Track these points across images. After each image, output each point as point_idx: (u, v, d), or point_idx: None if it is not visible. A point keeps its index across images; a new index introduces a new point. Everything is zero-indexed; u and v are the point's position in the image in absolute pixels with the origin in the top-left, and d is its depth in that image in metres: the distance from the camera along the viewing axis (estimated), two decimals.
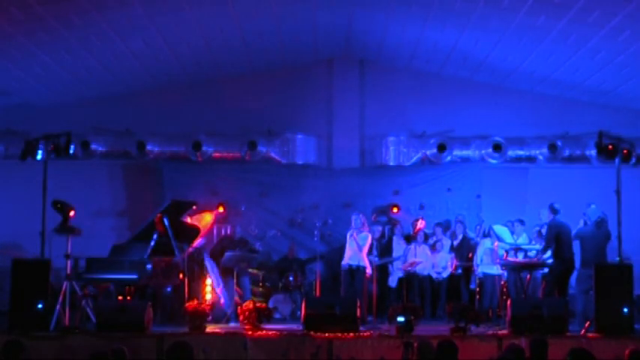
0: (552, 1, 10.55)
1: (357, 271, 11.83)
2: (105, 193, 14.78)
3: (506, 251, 12.00)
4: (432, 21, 12.03)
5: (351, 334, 9.33)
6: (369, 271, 11.95)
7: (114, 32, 11.63)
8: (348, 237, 12.05)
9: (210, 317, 10.47)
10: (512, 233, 12.34)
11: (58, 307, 9.91)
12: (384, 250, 13.19)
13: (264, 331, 9.59)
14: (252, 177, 14.43)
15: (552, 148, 13.98)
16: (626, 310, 9.50)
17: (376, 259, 12.50)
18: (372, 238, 12.46)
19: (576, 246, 11.34)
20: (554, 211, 11.30)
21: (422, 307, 12.46)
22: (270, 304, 12.17)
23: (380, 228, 13.41)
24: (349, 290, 11.80)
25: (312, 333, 9.41)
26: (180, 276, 11.59)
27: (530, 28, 11.56)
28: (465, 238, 13.25)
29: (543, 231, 11.79)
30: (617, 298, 9.56)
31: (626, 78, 13.08)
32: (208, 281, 12.60)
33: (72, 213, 10.80)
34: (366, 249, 11.92)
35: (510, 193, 14.47)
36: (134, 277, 10.82)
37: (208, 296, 12.31)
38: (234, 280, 12.19)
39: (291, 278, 13.37)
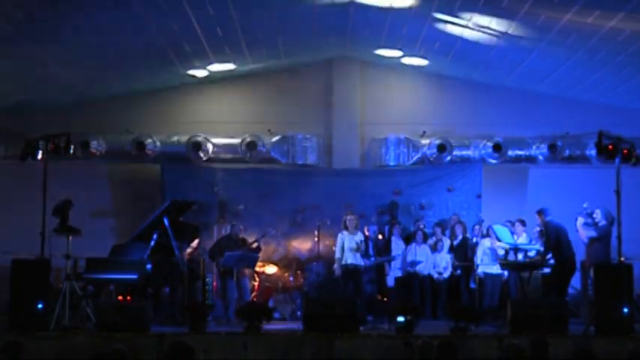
0: (552, 1, 10.55)
1: (357, 270, 11.81)
2: (105, 193, 14.79)
3: (506, 251, 12.01)
4: (432, 21, 12.02)
5: (351, 334, 9.32)
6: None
7: (114, 32, 11.62)
8: (342, 237, 11.98)
9: (210, 317, 10.47)
10: (513, 233, 12.34)
11: (58, 307, 9.91)
12: (382, 249, 13.19)
13: (264, 331, 9.59)
14: (252, 177, 14.43)
15: (552, 148, 14.00)
16: (626, 310, 9.49)
17: (372, 258, 12.51)
18: (369, 238, 12.48)
19: (578, 246, 11.41)
20: (546, 214, 11.32)
21: (422, 307, 12.49)
22: (270, 304, 12.17)
23: (375, 228, 13.41)
24: (348, 290, 11.79)
25: (312, 333, 9.41)
26: (180, 276, 11.59)
27: (530, 28, 11.55)
28: (464, 238, 13.24)
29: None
30: (617, 298, 9.55)
31: (626, 78, 13.08)
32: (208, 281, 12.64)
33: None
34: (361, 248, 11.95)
35: (510, 193, 14.49)
36: (134, 277, 10.83)
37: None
38: (234, 280, 12.18)
39: (291, 278, 13.39)
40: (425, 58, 14.03)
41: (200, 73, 14.32)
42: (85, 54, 12.38)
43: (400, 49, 13.71)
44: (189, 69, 14.04)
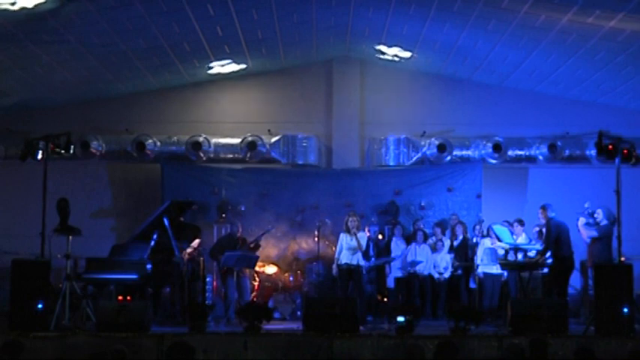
0: (552, 1, 10.55)
1: (354, 271, 11.80)
2: (105, 193, 14.81)
3: (506, 251, 12.01)
4: (431, 21, 12.03)
5: (351, 334, 9.32)
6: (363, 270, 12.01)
7: (114, 32, 11.63)
8: (342, 237, 11.96)
9: (210, 317, 10.47)
10: (512, 233, 12.35)
11: (58, 307, 9.91)
12: (382, 250, 13.19)
13: (264, 331, 9.59)
14: (252, 177, 14.44)
15: (552, 148, 14.02)
16: (626, 310, 9.49)
17: (373, 259, 12.49)
18: (370, 238, 12.48)
19: (578, 246, 11.43)
20: (549, 211, 11.33)
21: (422, 307, 12.49)
22: (270, 304, 12.17)
23: (377, 228, 13.40)
24: (346, 290, 11.78)
25: (312, 333, 9.41)
26: (180, 276, 11.59)
27: (530, 28, 11.56)
28: (465, 238, 13.24)
29: (545, 230, 11.80)
30: (617, 298, 9.55)
31: (626, 78, 13.09)
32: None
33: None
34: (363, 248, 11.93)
35: (510, 193, 14.50)
36: (134, 277, 10.84)
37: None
38: (234, 280, 12.17)
39: (291, 278, 13.40)
40: (425, 58, 14.04)
41: (201, 72, 14.34)
42: (85, 54, 12.38)
43: (400, 46, 13.70)
44: (190, 69, 14.04)
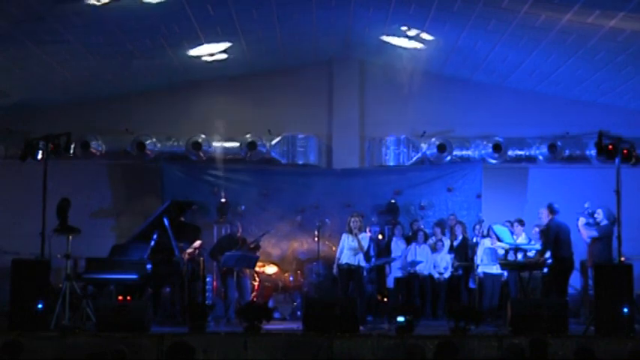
0: (552, 1, 10.55)
1: (355, 271, 11.79)
2: (105, 193, 14.81)
3: (506, 251, 12.01)
4: (431, 21, 12.03)
5: (351, 334, 9.32)
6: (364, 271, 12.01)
7: (115, 32, 11.63)
8: (345, 237, 11.97)
9: (210, 317, 10.47)
10: (512, 233, 12.35)
11: (58, 307, 9.92)
12: (383, 250, 13.19)
13: (264, 331, 9.59)
14: (252, 177, 14.45)
15: (552, 148, 14.02)
16: (626, 310, 9.50)
17: (373, 259, 12.50)
18: (371, 239, 12.49)
19: (579, 246, 11.43)
20: (553, 211, 11.33)
21: (422, 307, 12.48)
22: (270, 304, 12.17)
23: (378, 228, 13.40)
24: (346, 290, 11.78)
25: (312, 333, 9.41)
26: (180, 276, 11.59)
27: (530, 28, 11.56)
28: (464, 238, 13.25)
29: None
30: (617, 298, 9.55)
31: (626, 78, 13.09)
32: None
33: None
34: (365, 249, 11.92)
35: (510, 193, 14.50)
36: (134, 277, 10.84)
37: None
38: (235, 280, 12.18)
39: (291, 278, 13.40)
40: (425, 58, 14.00)
41: (201, 72, 14.31)
42: (85, 54, 12.38)
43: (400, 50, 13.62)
44: (190, 69, 14.04)
